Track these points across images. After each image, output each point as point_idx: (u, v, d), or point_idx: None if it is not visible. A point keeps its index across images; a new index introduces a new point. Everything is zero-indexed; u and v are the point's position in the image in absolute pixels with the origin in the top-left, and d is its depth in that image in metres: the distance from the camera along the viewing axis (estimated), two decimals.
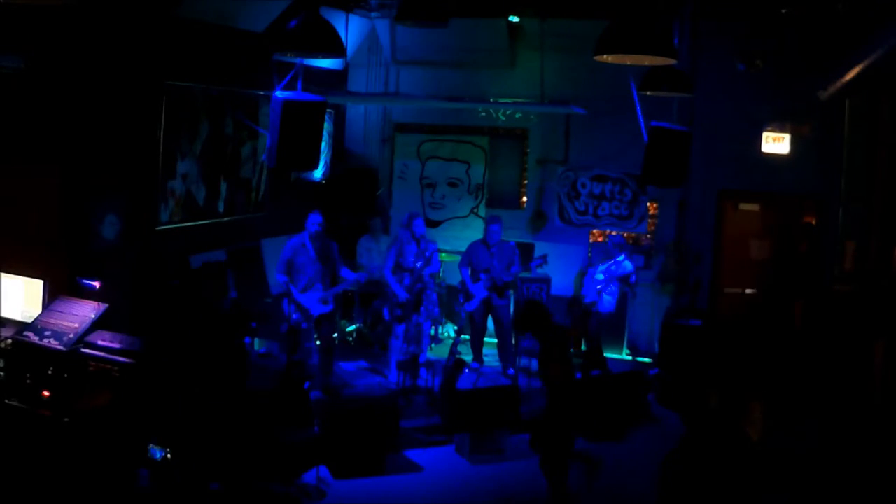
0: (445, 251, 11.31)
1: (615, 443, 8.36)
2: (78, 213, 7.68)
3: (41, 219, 7.51)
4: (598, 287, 9.82)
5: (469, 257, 9.67)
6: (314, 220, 8.58)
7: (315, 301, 8.55)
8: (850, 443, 7.47)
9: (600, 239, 11.38)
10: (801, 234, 10.81)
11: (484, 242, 9.64)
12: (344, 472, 7.40)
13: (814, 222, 10.75)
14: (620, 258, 9.85)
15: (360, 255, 10.76)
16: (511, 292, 9.94)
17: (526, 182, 11.72)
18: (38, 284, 7.30)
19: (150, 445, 6.38)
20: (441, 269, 11.04)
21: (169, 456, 6.38)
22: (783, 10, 9.20)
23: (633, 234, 11.23)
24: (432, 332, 10.37)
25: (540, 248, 11.44)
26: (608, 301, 9.82)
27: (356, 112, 12.34)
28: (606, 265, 9.92)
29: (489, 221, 9.72)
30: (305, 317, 8.50)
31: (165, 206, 8.73)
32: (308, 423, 7.32)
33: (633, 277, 9.92)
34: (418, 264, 9.26)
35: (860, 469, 6.95)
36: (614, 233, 11.12)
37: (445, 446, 8.14)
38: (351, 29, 10.56)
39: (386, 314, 9.71)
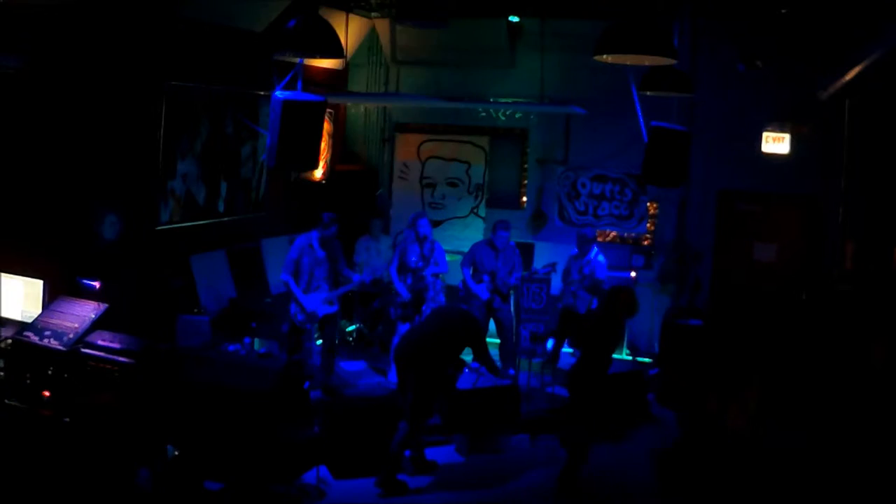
0: (446, 251, 11.30)
1: (615, 443, 8.35)
2: (78, 213, 7.69)
3: (41, 219, 7.51)
4: (573, 289, 9.78)
5: (472, 257, 9.64)
6: (333, 227, 8.55)
7: (320, 302, 8.55)
8: (850, 442, 7.47)
9: (600, 239, 11.38)
10: (801, 234, 10.81)
11: (490, 244, 9.61)
12: (344, 472, 7.40)
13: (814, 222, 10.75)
14: (593, 253, 9.76)
15: (357, 255, 10.76)
16: (512, 294, 9.93)
17: (526, 182, 11.72)
18: (38, 284, 7.30)
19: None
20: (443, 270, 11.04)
21: (177, 453, 6.40)
22: (783, 10, 9.20)
23: (632, 234, 11.25)
24: None
25: (540, 248, 11.45)
26: (583, 303, 9.83)
27: (356, 112, 12.34)
28: (580, 263, 9.82)
29: (499, 227, 9.54)
30: (311, 318, 8.50)
31: (165, 206, 8.73)
32: (308, 423, 7.32)
33: (605, 285, 9.83)
34: (420, 264, 9.26)
35: (859, 468, 6.95)
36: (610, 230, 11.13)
37: (445, 446, 8.14)
38: (351, 29, 10.56)
39: (392, 313, 9.71)
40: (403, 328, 9.27)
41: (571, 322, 8.82)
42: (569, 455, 7.20)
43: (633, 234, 11.25)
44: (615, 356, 10.50)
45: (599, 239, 11.37)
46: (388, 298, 9.94)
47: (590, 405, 7.21)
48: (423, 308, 9.33)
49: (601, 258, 9.78)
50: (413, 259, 9.29)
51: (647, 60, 6.58)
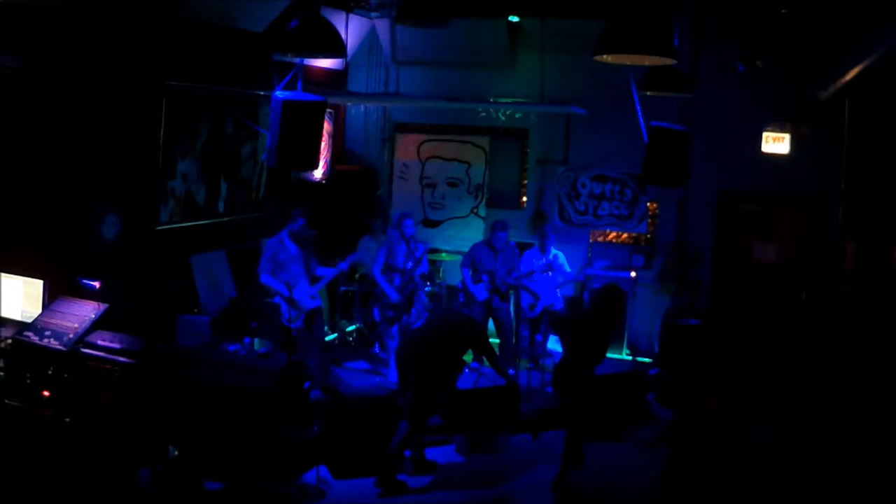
0: (445, 251, 11.31)
1: (615, 443, 8.35)
2: (78, 213, 7.68)
3: (41, 219, 7.51)
4: (558, 290, 9.84)
5: (472, 258, 9.65)
6: (300, 220, 8.65)
7: (305, 296, 8.59)
8: (851, 442, 7.47)
9: (600, 239, 11.39)
10: (801, 234, 10.81)
11: (489, 245, 9.62)
12: (344, 472, 7.40)
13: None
14: (553, 253, 9.83)
15: (360, 255, 10.76)
16: (511, 294, 9.94)
17: (526, 182, 11.72)
18: (38, 284, 7.30)
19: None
20: (441, 269, 11.04)
21: (177, 453, 6.41)
22: (783, 10, 9.20)
23: (633, 234, 11.25)
24: None
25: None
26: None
27: (356, 112, 12.34)
28: (545, 259, 9.84)
29: (497, 228, 9.58)
30: (298, 311, 8.51)
31: (165, 206, 8.73)
32: (308, 423, 7.32)
33: (595, 283, 9.92)
34: (408, 265, 9.25)
35: (860, 468, 6.95)
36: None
37: (445, 446, 8.14)
38: (351, 29, 10.55)
39: (377, 315, 9.70)
40: (394, 330, 9.27)
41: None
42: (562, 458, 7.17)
43: (633, 234, 11.25)
44: (616, 356, 10.64)
45: (599, 239, 11.41)
46: (375, 300, 9.92)
47: (576, 405, 7.16)
48: (413, 310, 9.33)
49: (561, 255, 9.85)
50: (401, 260, 9.29)
51: (647, 60, 6.57)
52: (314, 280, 8.85)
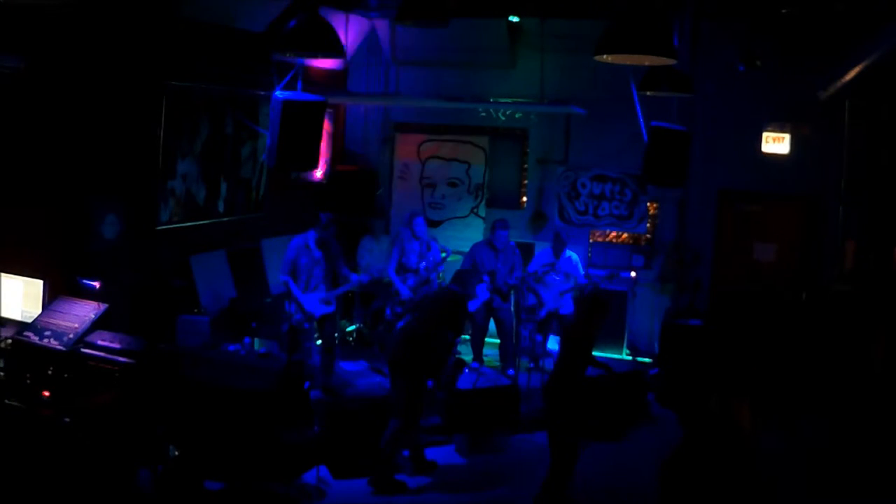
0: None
1: (615, 443, 8.36)
2: (78, 213, 7.69)
3: (41, 219, 7.51)
4: (562, 291, 9.83)
5: (473, 258, 9.64)
6: (333, 227, 8.55)
7: (317, 302, 8.55)
8: (852, 441, 7.48)
9: (600, 239, 11.39)
10: (801, 234, 10.81)
11: (490, 244, 9.62)
12: (344, 472, 7.40)
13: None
14: (568, 254, 9.82)
15: (360, 256, 10.76)
16: (512, 294, 9.95)
17: (526, 182, 11.72)
18: (38, 284, 7.28)
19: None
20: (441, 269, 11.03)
21: (177, 453, 6.41)
22: (783, 10, 9.21)
23: (633, 234, 11.25)
24: None
25: (540, 248, 11.44)
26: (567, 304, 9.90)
27: (356, 112, 12.34)
28: (558, 262, 9.83)
29: (498, 226, 9.60)
30: (308, 317, 8.50)
31: (165, 206, 8.73)
32: (308, 423, 7.32)
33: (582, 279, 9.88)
34: (422, 265, 9.25)
35: (861, 467, 6.96)
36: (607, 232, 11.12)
37: (445, 446, 8.14)
38: (351, 29, 10.56)
39: (389, 313, 9.70)
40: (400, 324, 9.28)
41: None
42: (551, 465, 6.97)
43: (633, 234, 11.25)
44: (616, 356, 10.65)
45: (599, 239, 11.42)
46: (385, 299, 9.92)
47: (562, 414, 7.01)
48: None
49: (575, 257, 9.83)
50: (414, 259, 9.28)
51: (647, 60, 6.58)
52: (335, 284, 8.76)
